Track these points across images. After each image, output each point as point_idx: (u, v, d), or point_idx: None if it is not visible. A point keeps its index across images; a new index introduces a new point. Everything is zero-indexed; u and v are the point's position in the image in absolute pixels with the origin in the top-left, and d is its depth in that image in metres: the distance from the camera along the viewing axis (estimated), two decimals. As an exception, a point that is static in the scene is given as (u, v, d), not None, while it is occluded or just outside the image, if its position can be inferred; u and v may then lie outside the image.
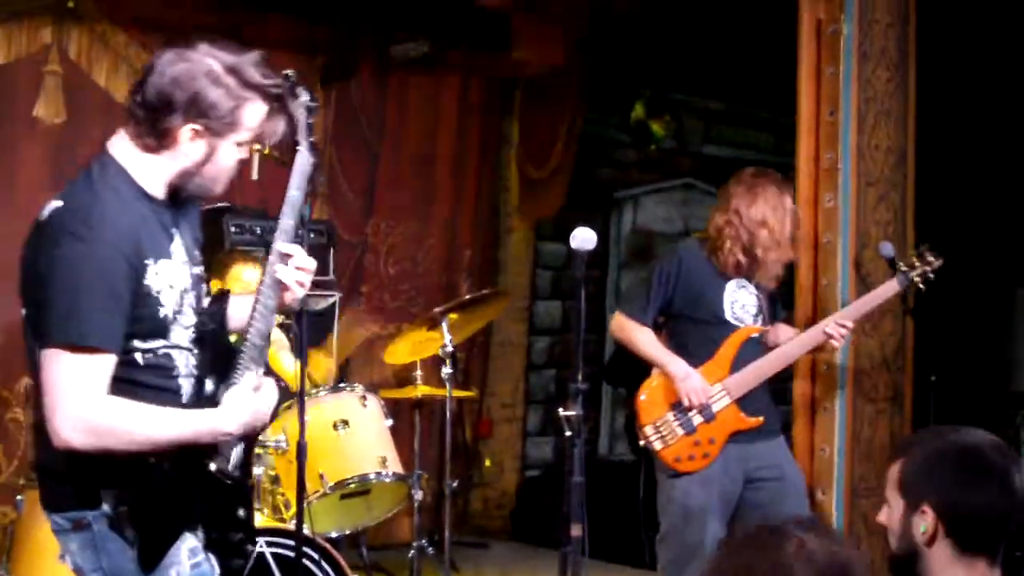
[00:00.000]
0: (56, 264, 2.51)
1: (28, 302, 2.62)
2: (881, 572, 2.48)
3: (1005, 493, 2.30)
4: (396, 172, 7.18)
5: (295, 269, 2.81)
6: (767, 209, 4.34)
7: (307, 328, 3.12)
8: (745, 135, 8.96)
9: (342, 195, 6.94)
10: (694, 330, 4.42)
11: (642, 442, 4.40)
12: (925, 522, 2.30)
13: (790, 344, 4.42)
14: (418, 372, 5.50)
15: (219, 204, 5.93)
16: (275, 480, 4.68)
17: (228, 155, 2.69)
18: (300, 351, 3.66)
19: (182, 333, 2.71)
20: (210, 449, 2.66)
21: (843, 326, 4.39)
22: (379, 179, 7.12)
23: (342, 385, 5.01)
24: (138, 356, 2.62)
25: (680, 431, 4.33)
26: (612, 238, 8.40)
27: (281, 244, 2.80)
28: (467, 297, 6.00)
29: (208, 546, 2.73)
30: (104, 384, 2.53)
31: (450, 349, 5.26)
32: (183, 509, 2.67)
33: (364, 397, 4.86)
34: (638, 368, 7.15)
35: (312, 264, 2.86)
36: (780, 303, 4.64)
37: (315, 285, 5.92)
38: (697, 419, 4.33)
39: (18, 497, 4.26)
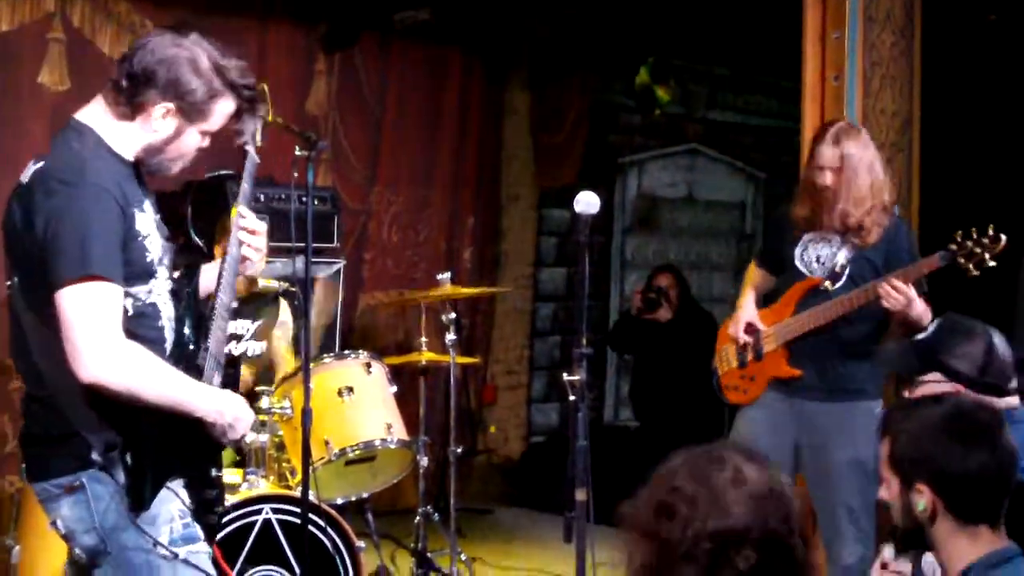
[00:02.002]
0: (53, 212, 2.60)
1: (20, 267, 2.70)
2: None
3: (995, 450, 2.30)
4: (399, 139, 7.17)
5: (249, 234, 3.02)
6: (820, 158, 4.24)
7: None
8: (750, 100, 8.93)
9: (346, 162, 6.93)
10: (780, 277, 4.53)
11: (714, 365, 4.63)
12: (923, 500, 2.30)
13: (837, 299, 4.26)
14: (423, 338, 5.49)
15: (222, 172, 5.92)
16: (280, 447, 4.68)
17: (192, 140, 2.83)
18: (304, 316, 3.67)
19: (164, 283, 2.82)
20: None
21: (894, 287, 4.10)
22: (382, 146, 7.10)
23: (347, 352, 5.00)
24: (127, 303, 2.68)
25: (734, 362, 4.53)
26: (617, 203, 8.39)
27: (241, 208, 3.04)
28: (472, 291, 6.15)
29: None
30: (120, 318, 2.61)
31: (453, 316, 5.26)
32: (167, 458, 2.74)
33: (369, 364, 4.85)
34: (642, 334, 7.20)
35: (261, 227, 3.06)
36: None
37: (319, 252, 5.95)
38: (750, 355, 4.48)
39: (24, 466, 4.26)
